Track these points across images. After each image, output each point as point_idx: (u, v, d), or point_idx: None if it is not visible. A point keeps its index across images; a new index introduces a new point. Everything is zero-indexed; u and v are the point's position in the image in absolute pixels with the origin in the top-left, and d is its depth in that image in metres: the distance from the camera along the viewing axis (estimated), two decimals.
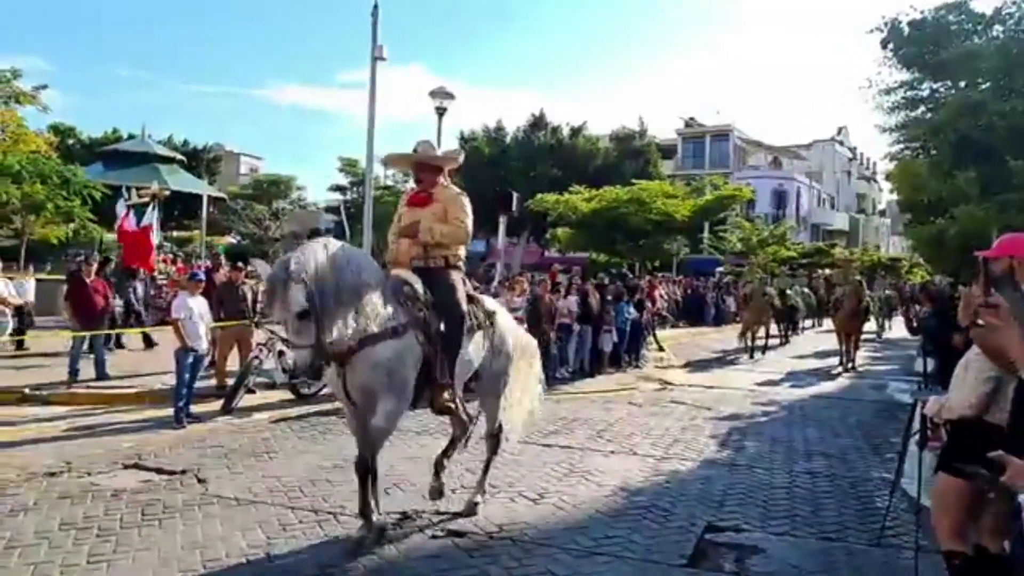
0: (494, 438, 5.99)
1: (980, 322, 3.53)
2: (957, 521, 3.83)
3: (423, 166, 5.57)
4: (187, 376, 8.92)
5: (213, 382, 10.38)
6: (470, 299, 5.55)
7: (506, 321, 6.03)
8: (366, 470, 5.01)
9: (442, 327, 5.13)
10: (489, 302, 6.06)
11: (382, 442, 5.11)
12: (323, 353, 4.62)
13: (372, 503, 5.10)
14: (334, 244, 4.92)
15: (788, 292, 19.70)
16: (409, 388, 5.01)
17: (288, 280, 4.47)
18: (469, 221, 5.47)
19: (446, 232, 5.35)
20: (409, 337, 4.97)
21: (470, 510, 5.71)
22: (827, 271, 34.80)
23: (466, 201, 5.51)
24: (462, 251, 5.58)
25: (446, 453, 6.03)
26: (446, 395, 5.21)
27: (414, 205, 5.53)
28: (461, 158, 5.89)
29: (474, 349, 5.48)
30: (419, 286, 5.20)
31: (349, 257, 4.90)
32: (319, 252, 4.70)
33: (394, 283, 5.15)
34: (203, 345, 9.23)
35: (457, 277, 5.44)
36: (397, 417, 5.03)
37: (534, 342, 6.54)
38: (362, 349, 4.80)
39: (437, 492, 5.87)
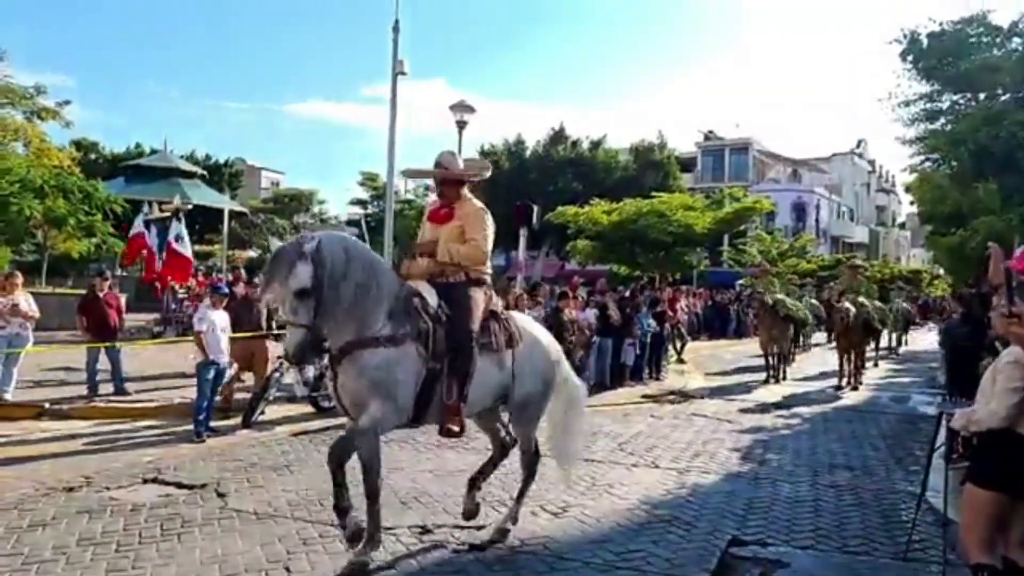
0: (529, 462, 5.66)
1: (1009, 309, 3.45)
2: (986, 535, 3.75)
3: (444, 179, 5.40)
4: (208, 389, 8.94)
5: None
6: (494, 316, 5.29)
7: (549, 347, 5.69)
8: (338, 462, 4.70)
9: (450, 345, 4.89)
10: (523, 321, 5.75)
11: (362, 445, 4.73)
12: (317, 339, 4.53)
13: (347, 500, 4.76)
14: (354, 240, 4.91)
15: (791, 304, 18.04)
16: (401, 399, 4.74)
17: (299, 256, 4.41)
18: (488, 240, 5.25)
19: (463, 253, 5.16)
20: (406, 348, 4.74)
21: (499, 537, 5.42)
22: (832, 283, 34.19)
23: (487, 218, 5.30)
24: (485, 267, 5.34)
25: (482, 472, 5.76)
26: (455, 419, 4.92)
27: (434, 221, 5.39)
28: (487, 172, 5.66)
29: (493, 371, 5.18)
30: (432, 299, 4.98)
31: (366, 254, 4.85)
32: (336, 240, 4.67)
33: (406, 293, 4.97)
34: (224, 358, 9.24)
35: (478, 293, 5.18)
36: (383, 424, 4.74)
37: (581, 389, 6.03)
38: (352, 352, 4.66)
39: (472, 512, 5.62)
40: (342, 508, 4.74)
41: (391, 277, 5.03)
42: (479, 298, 5.17)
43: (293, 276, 4.39)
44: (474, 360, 4.96)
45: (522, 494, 5.69)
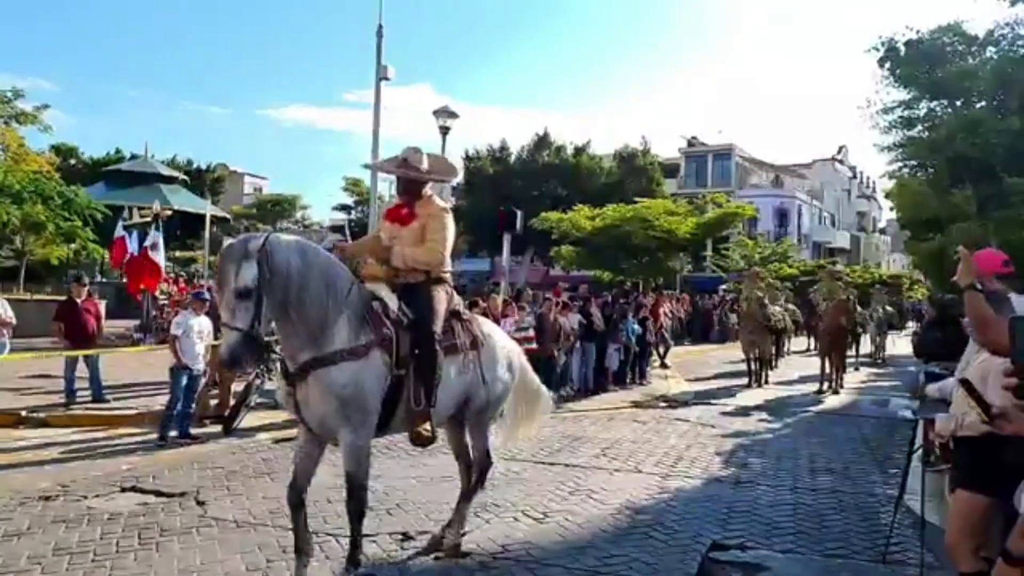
0: (480, 470, 5.51)
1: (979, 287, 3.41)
2: (977, 541, 3.73)
3: (407, 180, 5.16)
4: (180, 394, 8.90)
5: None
6: (456, 316, 5.13)
7: (504, 345, 5.54)
8: (300, 499, 4.64)
9: (414, 348, 4.67)
10: (485, 323, 5.59)
11: (364, 478, 4.63)
12: (255, 344, 4.18)
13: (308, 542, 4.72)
14: (311, 244, 4.68)
15: (774, 308, 17.59)
16: (369, 415, 4.52)
17: (245, 255, 4.13)
18: (447, 243, 5.03)
19: (419, 258, 4.93)
20: (371, 358, 4.50)
21: (453, 552, 5.21)
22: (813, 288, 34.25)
23: (448, 220, 5.08)
24: (444, 267, 5.14)
25: (465, 499, 5.52)
26: (425, 425, 4.72)
27: (394, 221, 5.12)
28: (454, 176, 5.46)
29: (458, 373, 5.02)
30: (392, 302, 4.78)
31: (323, 259, 4.58)
32: (290, 241, 4.45)
33: (364, 298, 4.71)
34: (199, 365, 9.16)
35: (439, 292, 4.98)
36: (364, 450, 4.57)
37: (536, 385, 5.99)
38: (315, 370, 4.38)
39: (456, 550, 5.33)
40: (303, 551, 4.64)
41: (349, 282, 4.71)
42: (441, 297, 4.98)
43: (238, 276, 4.10)
44: (439, 362, 4.77)
45: (468, 495, 5.51)
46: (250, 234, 4.37)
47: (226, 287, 4.16)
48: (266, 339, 4.42)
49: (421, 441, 4.79)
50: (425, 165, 5.17)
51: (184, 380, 8.92)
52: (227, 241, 4.38)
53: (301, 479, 4.68)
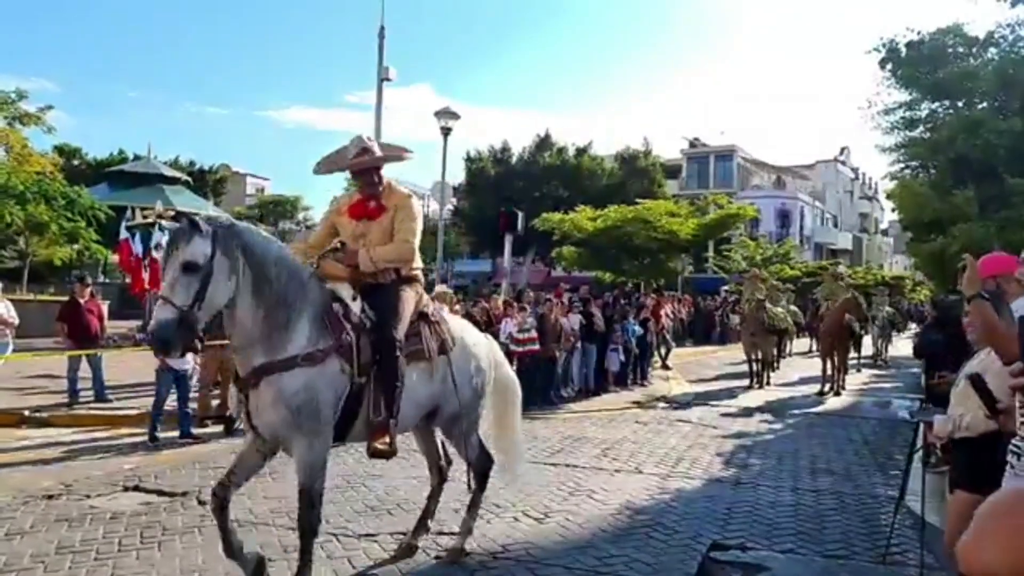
0: (481, 471, 5.29)
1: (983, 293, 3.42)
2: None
3: (362, 168, 4.79)
4: (165, 395, 8.96)
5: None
6: (424, 318, 4.83)
7: (476, 342, 5.28)
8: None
9: (374, 355, 4.38)
10: (455, 323, 5.33)
11: (318, 492, 4.36)
12: (190, 329, 3.80)
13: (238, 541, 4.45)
14: (279, 242, 4.49)
15: (775, 312, 17.21)
16: (323, 425, 4.24)
17: (198, 231, 3.82)
18: (416, 234, 4.76)
19: (388, 256, 4.64)
20: (328, 365, 4.20)
21: (456, 556, 5.15)
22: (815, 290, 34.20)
23: (416, 207, 4.82)
24: (416, 262, 4.91)
25: (428, 511, 5.42)
26: (384, 438, 4.41)
27: (361, 217, 4.78)
28: (407, 155, 5.20)
29: (424, 382, 4.73)
30: (355, 305, 4.48)
31: (289, 257, 4.34)
32: (255, 229, 4.26)
33: (324, 298, 4.40)
34: (184, 365, 9.15)
35: (408, 293, 4.72)
36: (319, 463, 4.31)
37: (515, 383, 5.68)
38: (267, 376, 4.09)
39: (409, 552, 5.24)
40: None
41: (313, 283, 4.40)
42: (408, 299, 4.71)
43: (188, 249, 3.80)
44: (400, 371, 4.45)
45: (474, 504, 5.36)
46: (209, 215, 4.11)
47: (172, 259, 3.84)
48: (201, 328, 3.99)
49: (379, 455, 4.51)
50: (377, 152, 4.87)
51: (170, 381, 8.96)
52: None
53: (227, 482, 4.52)
